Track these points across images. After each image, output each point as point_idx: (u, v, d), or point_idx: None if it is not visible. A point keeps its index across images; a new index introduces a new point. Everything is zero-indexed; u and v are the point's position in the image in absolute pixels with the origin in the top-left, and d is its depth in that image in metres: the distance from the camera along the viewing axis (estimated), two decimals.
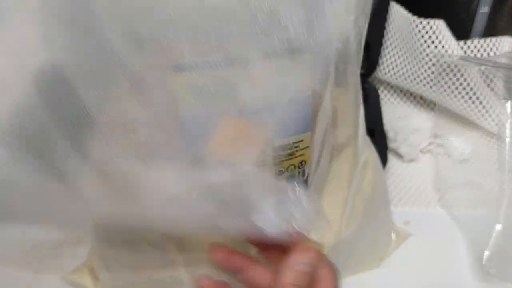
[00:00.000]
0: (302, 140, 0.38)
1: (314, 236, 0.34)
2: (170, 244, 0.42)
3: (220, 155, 0.37)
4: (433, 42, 0.67)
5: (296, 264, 0.33)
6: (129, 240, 0.44)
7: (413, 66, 0.71)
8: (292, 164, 0.39)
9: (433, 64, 0.68)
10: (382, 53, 0.74)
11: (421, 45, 0.68)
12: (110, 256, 0.48)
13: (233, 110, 0.36)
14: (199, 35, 0.34)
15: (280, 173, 0.39)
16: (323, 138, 0.40)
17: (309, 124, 0.38)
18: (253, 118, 0.37)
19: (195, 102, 0.36)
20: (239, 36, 0.35)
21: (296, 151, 0.38)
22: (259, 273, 0.36)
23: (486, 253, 0.55)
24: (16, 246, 0.58)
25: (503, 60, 0.65)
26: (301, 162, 0.39)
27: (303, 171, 0.40)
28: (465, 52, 0.69)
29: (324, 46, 0.37)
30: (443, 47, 0.67)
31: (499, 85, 0.68)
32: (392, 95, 0.78)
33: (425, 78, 0.70)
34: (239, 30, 0.35)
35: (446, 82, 0.68)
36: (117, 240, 0.45)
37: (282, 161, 0.38)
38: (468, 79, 0.67)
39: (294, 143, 0.38)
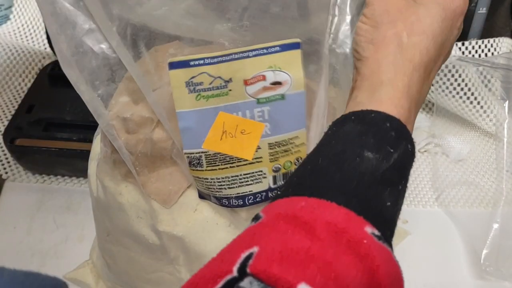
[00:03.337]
0: (297, 137, 0.39)
1: None
2: (170, 242, 0.43)
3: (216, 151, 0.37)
4: None
5: None
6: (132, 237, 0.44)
7: None
8: (288, 160, 0.39)
9: None
10: None
11: None
12: (111, 254, 0.48)
13: (228, 106, 0.37)
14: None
15: (277, 169, 0.39)
16: (320, 136, 0.40)
17: (304, 120, 0.38)
18: (246, 114, 0.37)
19: (191, 98, 0.36)
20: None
21: (292, 147, 0.39)
22: None
23: (484, 251, 0.56)
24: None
25: (501, 61, 0.65)
26: (297, 159, 0.39)
27: None
28: (463, 52, 0.70)
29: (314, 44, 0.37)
30: None
31: (497, 85, 0.68)
32: None
33: None
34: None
35: (444, 83, 0.68)
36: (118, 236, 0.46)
37: (278, 157, 0.39)
38: (466, 80, 0.67)
39: (289, 139, 0.38)
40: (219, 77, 0.36)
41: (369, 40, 0.33)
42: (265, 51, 0.36)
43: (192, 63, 0.36)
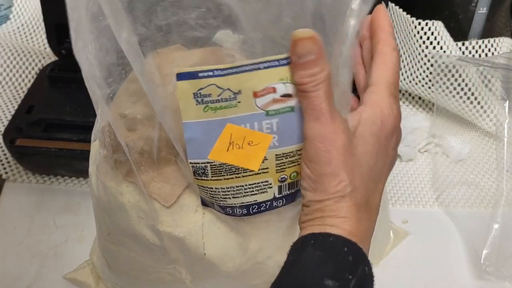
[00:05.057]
0: None
1: None
2: (171, 243, 0.43)
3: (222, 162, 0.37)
4: (431, 43, 0.68)
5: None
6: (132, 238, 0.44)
7: (412, 67, 0.71)
8: (294, 171, 0.39)
9: (432, 65, 0.69)
10: None
11: (420, 46, 0.68)
12: (112, 254, 0.48)
13: (236, 118, 0.37)
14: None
15: (283, 179, 0.39)
16: None
17: None
18: (255, 125, 0.37)
19: (198, 110, 0.36)
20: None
21: (299, 158, 0.38)
22: None
23: (484, 252, 0.56)
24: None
25: (501, 61, 0.65)
26: None
27: None
28: (463, 52, 0.70)
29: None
30: (441, 48, 0.68)
31: (497, 85, 0.68)
32: None
33: (423, 78, 0.70)
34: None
35: (444, 83, 0.68)
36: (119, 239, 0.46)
37: (285, 168, 0.38)
38: (466, 80, 0.67)
39: (296, 150, 0.38)
40: (228, 89, 0.35)
41: (313, 189, 0.35)
42: (276, 63, 0.35)
43: (200, 74, 0.35)
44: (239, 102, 0.36)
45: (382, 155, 0.35)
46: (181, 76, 0.35)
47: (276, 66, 0.35)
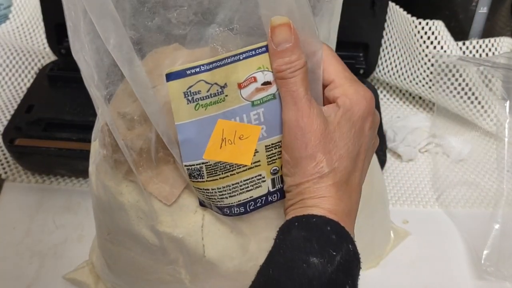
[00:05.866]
0: None
1: None
2: (170, 244, 0.43)
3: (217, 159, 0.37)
4: (432, 42, 0.68)
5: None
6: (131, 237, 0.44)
7: (412, 67, 0.71)
8: None
9: (432, 65, 0.69)
10: (381, 54, 0.74)
11: (420, 45, 0.68)
12: (111, 254, 0.48)
13: (226, 112, 0.37)
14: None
15: (275, 171, 0.39)
16: None
17: None
18: (243, 118, 0.37)
19: (190, 109, 0.36)
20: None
21: None
22: None
23: (485, 252, 0.55)
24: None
25: (502, 60, 0.65)
26: None
27: None
28: (463, 52, 0.70)
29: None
30: (442, 47, 0.68)
31: (498, 85, 0.68)
32: (391, 95, 0.78)
33: (424, 78, 0.70)
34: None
35: (445, 82, 0.68)
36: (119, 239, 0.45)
37: (276, 159, 0.39)
38: (467, 79, 0.67)
39: None
40: (215, 83, 0.36)
41: (292, 173, 0.36)
42: (253, 52, 0.36)
43: (188, 71, 0.35)
44: (226, 95, 0.36)
45: (358, 135, 0.36)
46: (170, 76, 0.35)
47: (253, 55, 0.36)
